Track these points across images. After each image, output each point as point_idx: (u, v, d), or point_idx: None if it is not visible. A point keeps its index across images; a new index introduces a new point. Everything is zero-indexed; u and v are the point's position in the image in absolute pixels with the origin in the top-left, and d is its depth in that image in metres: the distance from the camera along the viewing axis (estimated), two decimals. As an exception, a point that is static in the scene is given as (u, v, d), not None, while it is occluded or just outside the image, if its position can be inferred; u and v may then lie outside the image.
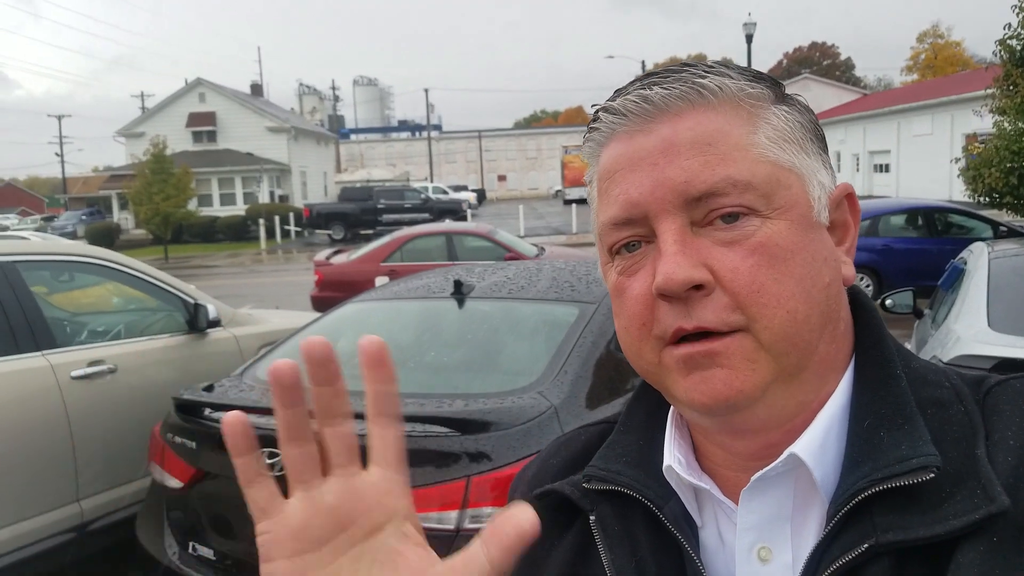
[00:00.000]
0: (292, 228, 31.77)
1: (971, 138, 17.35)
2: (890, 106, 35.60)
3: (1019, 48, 11.64)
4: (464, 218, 28.94)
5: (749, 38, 23.91)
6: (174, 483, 2.75)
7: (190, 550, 2.66)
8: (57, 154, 53.19)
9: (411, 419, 2.39)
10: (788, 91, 0.67)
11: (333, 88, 71.94)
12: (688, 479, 0.65)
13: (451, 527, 2.29)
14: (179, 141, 36.94)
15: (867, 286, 11.68)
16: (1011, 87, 11.68)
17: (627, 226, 0.63)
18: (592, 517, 0.69)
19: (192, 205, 29.62)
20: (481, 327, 3.31)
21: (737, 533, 0.63)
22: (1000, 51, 11.87)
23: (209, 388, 2.95)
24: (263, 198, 34.84)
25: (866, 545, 0.55)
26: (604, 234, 0.65)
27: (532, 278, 3.61)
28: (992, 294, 3.68)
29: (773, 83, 0.65)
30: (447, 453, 2.33)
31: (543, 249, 12.85)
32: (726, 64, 0.65)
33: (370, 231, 27.58)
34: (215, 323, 4.35)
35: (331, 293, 11.00)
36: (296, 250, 27.01)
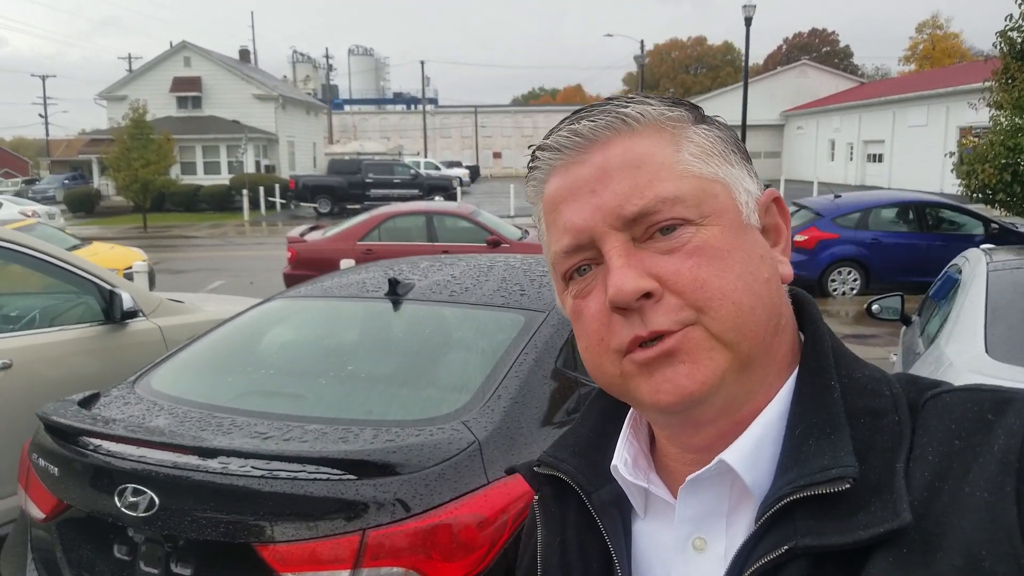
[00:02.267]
0: (277, 200, 31.12)
1: (965, 131, 17.05)
2: (886, 96, 35.28)
3: (1020, 41, 11.28)
4: (454, 196, 28.43)
5: (748, 21, 23.40)
6: (36, 513, 2.36)
7: (51, 593, 2.28)
8: (41, 115, 52.15)
9: (299, 459, 2.00)
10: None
11: (327, 57, 70.52)
12: (630, 479, 0.71)
13: (341, 589, 1.91)
14: (163, 106, 36.05)
15: (855, 280, 11.40)
16: (1009, 81, 11.34)
17: (576, 252, 0.67)
18: (536, 497, 0.80)
19: (174, 173, 28.93)
20: (413, 335, 2.92)
21: (675, 523, 0.69)
22: (1000, 43, 11.51)
23: (89, 400, 2.55)
24: (248, 168, 34.08)
25: (785, 548, 0.60)
26: (557, 263, 0.70)
27: (480, 278, 3.21)
28: (990, 314, 3.28)
29: (691, 107, 0.71)
30: (340, 500, 1.95)
31: (527, 232, 12.47)
32: (646, 96, 0.70)
33: (357, 206, 27.04)
34: (131, 313, 3.93)
35: (304, 271, 10.61)
36: (281, 222, 26.46)
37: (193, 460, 2.06)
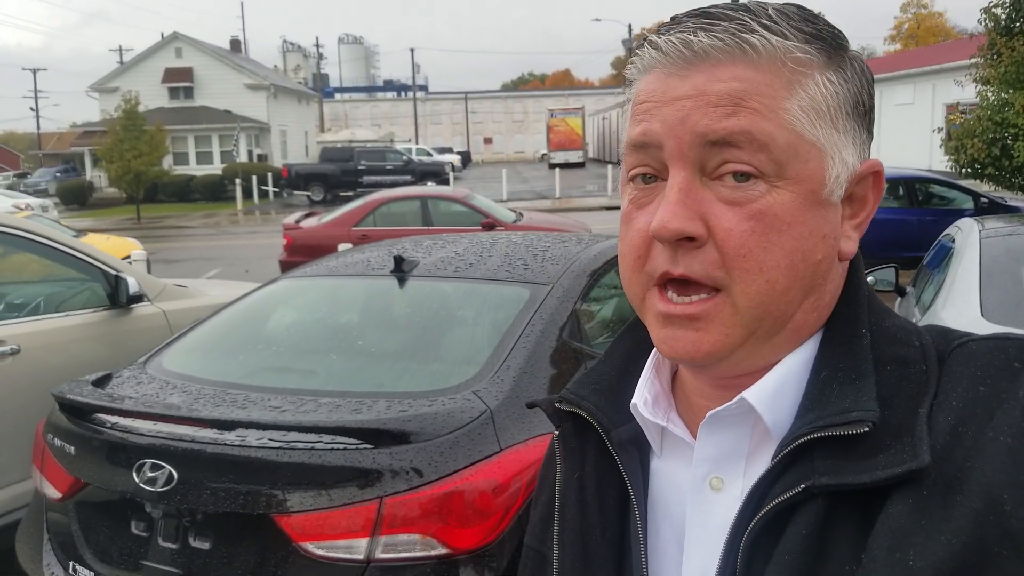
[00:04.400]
0: (270, 188, 31.00)
1: (952, 108, 17.13)
2: (872, 74, 35.25)
3: (1004, 16, 11.34)
4: (447, 181, 28.37)
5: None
6: (53, 493, 2.39)
7: (70, 571, 2.31)
8: (32, 108, 51.74)
9: (316, 429, 2.03)
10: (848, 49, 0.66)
11: (317, 46, 70.07)
12: (649, 418, 0.70)
13: (360, 557, 1.95)
14: (155, 97, 35.82)
15: (847, 256, 11.43)
16: (995, 56, 11.40)
17: (642, 151, 0.65)
18: (556, 433, 0.80)
19: (167, 163, 28.81)
20: (420, 311, 2.94)
21: (694, 462, 0.68)
22: (985, 19, 11.59)
23: (103, 380, 2.58)
24: (241, 157, 33.93)
25: (803, 486, 0.59)
26: (625, 155, 0.67)
27: (483, 254, 3.23)
28: (985, 279, 3.34)
29: (830, 46, 0.64)
30: (357, 469, 1.98)
31: (521, 215, 12.48)
32: (789, 16, 0.63)
33: (350, 193, 26.96)
34: (136, 298, 3.94)
35: (300, 258, 10.56)
36: (274, 211, 26.37)
37: (211, 433, 2.09)
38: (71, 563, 2.30)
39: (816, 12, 0.66)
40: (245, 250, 17.20)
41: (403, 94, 72.56)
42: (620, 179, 0.71)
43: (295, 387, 2.43)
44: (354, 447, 2.01)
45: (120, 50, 48.35)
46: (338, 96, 73.15)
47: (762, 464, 0.65)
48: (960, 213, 10.94)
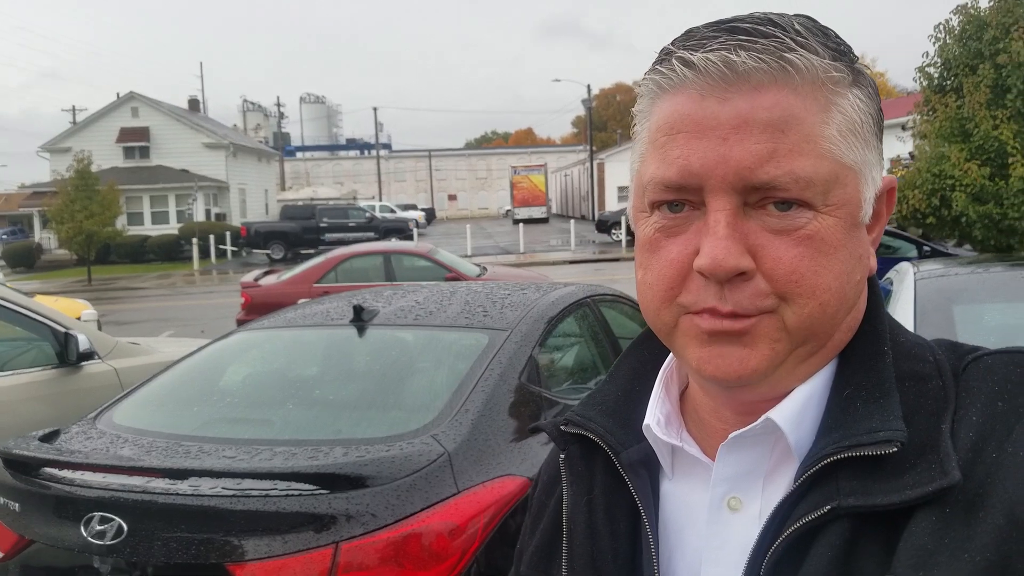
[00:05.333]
0: (228, 247, 30.72)
1: (895, 162, 18.02)
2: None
3: (936, 75, 12.07)
4: (411, 238, 28.46)
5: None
6: (-5, 552, 2.30)
7: (12, 634, 2.21)
8: (-19, 170, 50.79)
9: (270, 476, 2.01)
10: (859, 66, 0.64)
11: (278, 105, 70.50)
12: (664, 439, 0.69)
13: (316, 604, 1.91)
14: (109, 157, 35.50)
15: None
16: (931, 112, 12.08)
17: (678, 191, 0.61)
18: (562, 456, 0.77)
19: (120, 224, 28.40)
20: (379, 359, 2.95)
21: (712, 482, 0.66)
22: (920, 78, 12.31)
23: (50, 437, 2.51)
24: (199, 216, 33.64)
25: (828, 507, 0.58)
26: (650, 190, 0.63)
27: (443, 302, 3.26)
28: (919, 317, 3.53)
29: (851, 59, 0.63)
30: (313, 515, 1.96)
31: (485, 269, 12.55)
32: (813, 28, 0.62)
33: (312, 251, 26.87)
34: (87, 355, 3.87)
35: (258, 316, 10.47)
36: (232, 270, 26.08)
37: (162, 483, 2.05)
38: (13, 626, 2.21)
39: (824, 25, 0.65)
40: (201, 310, 16.94)
41: (366, 152, 73.12)
42: (632, 205, 0.69)
43: (250, 437, 2.40)
44: (309, 493, 1.99)
45: (73, 110, 47.99)
46: (300, 155, 73.40)
47: (781, 483, 0.64)
48: (906, 261, 11.36)
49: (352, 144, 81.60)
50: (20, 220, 41.26)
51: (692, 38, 0.62)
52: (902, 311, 3.73)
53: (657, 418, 0.70)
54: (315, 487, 1.99)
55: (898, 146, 17.86)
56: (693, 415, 0.72)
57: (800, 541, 0.59)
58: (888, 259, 12.06)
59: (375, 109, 61.08)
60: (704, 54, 0.59)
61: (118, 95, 38.85)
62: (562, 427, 0.77)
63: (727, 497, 0.66)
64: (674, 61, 0.61)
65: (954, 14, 11.84)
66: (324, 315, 3.28)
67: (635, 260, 0.67)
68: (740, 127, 0.59)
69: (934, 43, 12.01)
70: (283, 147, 66.12)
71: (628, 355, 0.80)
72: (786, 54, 0.59)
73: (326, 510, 1.96)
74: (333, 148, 79.90)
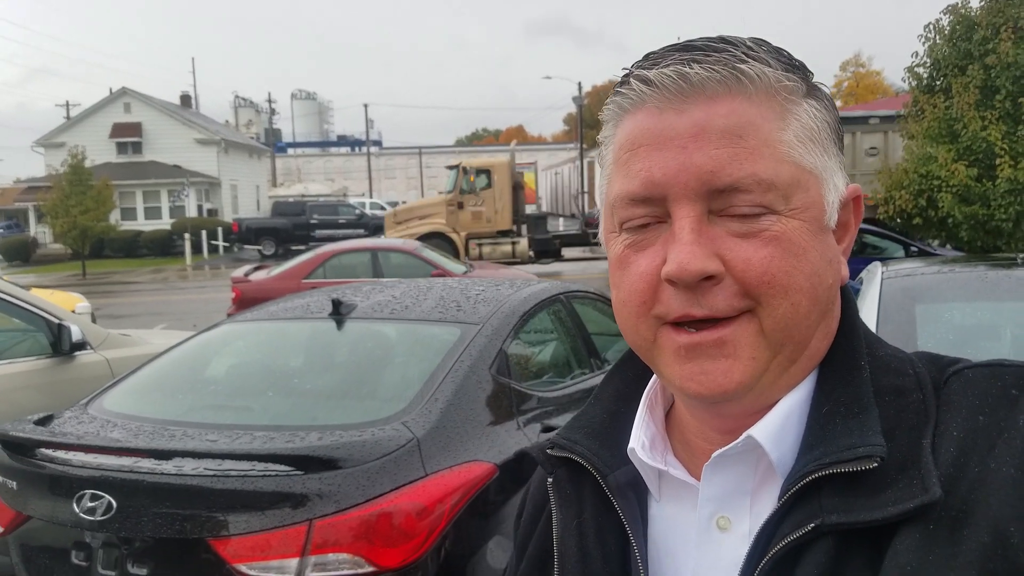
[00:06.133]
0: (220, 243, 30.79)
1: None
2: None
3: (926, 75, 12.14)
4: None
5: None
6: (-7, 528, 2.46)
7: (8, 604, 2.37)
8: (-27, 164, 50.59)
9: (248, 457, 2.17)
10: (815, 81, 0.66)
11: (270, 101, 70.40)
12: (649, 463, 0.69)
13: None
14: (102, 152, 35.49)
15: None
16: (919, 112, 12.13)
17: (643, 204, 0.62)
18: (550, 480, 0.76)
19: (113, 219, 28.47)
20: (355, 350, 3.11)
21: (699, 503, 0.66)
22: (909, 78, 12.38)
23: (44, 421, 2.67)
24: (191, 212, 33.72)
25: (812, 525, 0.58)
26: (618, 206, 0.64)
27: (419, 297, 3.42)
28: (882, 315, 3.67)
29: (805, 73, 0.65)
30: (287, 494, 2.12)
31: (472, 266, 12.70)
32: (765, 46, 0.64)
33: (302, 247, 26.97)
34: (79, 346, 4.02)
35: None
36: (224, 265, 26.14)
37: (149, 463, 2.21)
38: (9, 597, 2.36)
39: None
40: (193, 304, 17.04)
41: (357, 149, 73.05)
42: (603, 227, 0.69)
43: (231, 423, 2.56)
44: (285, 473, 2.15)
45: (67, 105, 47.85)
46: (291, 151, 73.29)
47: (767, 500, 0.64)
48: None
49: (343, 141, 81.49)
50: (15, 214, 41.18)
51: (648, 59, 0.64)
52: (867, 309, 3.89)
53: (642, 441, 0.70)
54: (291, 468, 2.15)
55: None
56: (679, 436, 0.72)
57: (786, 559, 0.59)
58: (876, 259, 12.23)
59: (366, 106, 61.06)
60: (659, 70, 0.61)
61: (111, 90, 38.85)
62: (548, 451, 0.77)
63: (715, 517, 0.66)
64: (632, 80, 0.63)
65: (944, 14, 11.87)
66: (304, 308, 3.44)
67: (610, 282, 0.68)
68: (698, 135, 0.60)
69: (924, 43, 12.06)
70: (274, 143, 66.02)
71: (612, 376, 0.80)
72: (738, 64, 0.61)
73: (301, 490, 2.12)
74: (324, 144, 79.78)
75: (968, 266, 5.06)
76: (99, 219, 24.58)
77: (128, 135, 37.72)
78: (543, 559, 0.76)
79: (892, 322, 3.63)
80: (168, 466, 2.19)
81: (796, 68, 0.64)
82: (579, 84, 42.25)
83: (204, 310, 15.57)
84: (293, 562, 2.07)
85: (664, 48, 0.64)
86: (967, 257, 7.77)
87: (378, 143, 76.11)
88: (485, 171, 19.81)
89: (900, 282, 4.09)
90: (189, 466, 2.18)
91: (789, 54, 0.66)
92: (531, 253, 19.64)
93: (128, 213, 34.17)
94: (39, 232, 34.48)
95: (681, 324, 0.62)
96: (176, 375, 3.12)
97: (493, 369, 2.89)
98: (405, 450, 2.31)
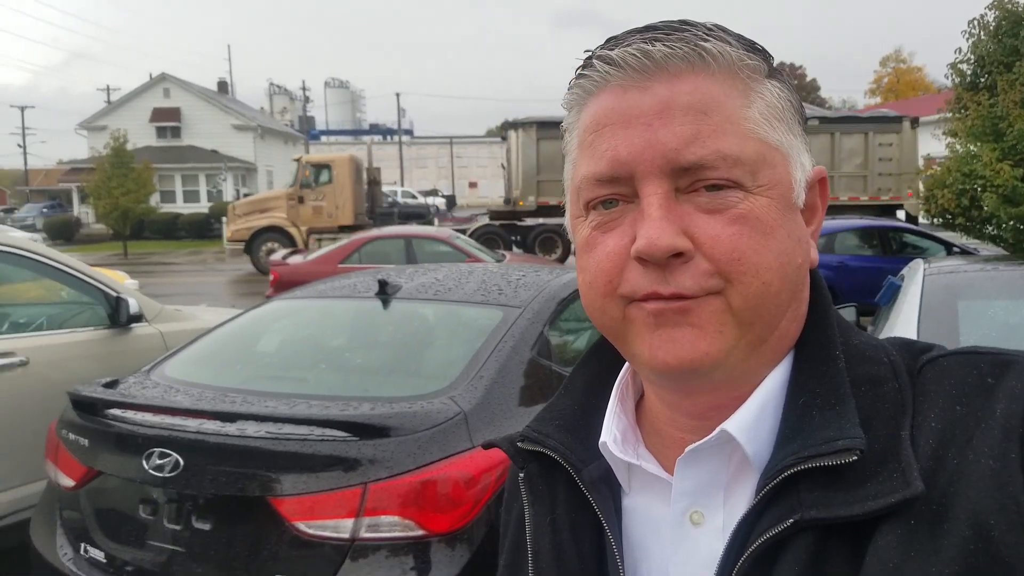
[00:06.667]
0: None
1: (929, 161, 17.82)
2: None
3: (969, 72, 11.94)
4: (431, 223, 28.77)
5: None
6: (66, 482, 2.62)
7: (82, 552, 2.54)
8: (19, 145, 51.90)
9: (307, 422, 2.30)
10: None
11: (304, 89, 71.09)
12: (620, 457, 0.68)
13: (346, 536, 2.20)
14: (142, 136, 36.24)
15: (823, 302, 11.85)
16: (962, 110, 11.94)
17: (610, 183, 0.62)
18: (521, 475, 0.74)
19: (153, 201, 29.07)
20: (401, 329, 3.23)
21: (672, 497, 0.65)
22: (952, 74, 12.18)
23: (111, 384, 2.83)
24: (228, 196, 34.31)
25: (791, 520, 0.57)
26: (584, 188, 0.64)
27: (461, 280, 3.53)
28: (924, 311, 3.71)
29: (766, 56, 0.65)
30: (344, 458, 2.24)
31: (504, 255, 12.83)
32: (724, 29, 0.64)
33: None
34: (136, 318, 4.20)
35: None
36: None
37: (214, 425, 2.35)
38: (82, 545, 2.53)
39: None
40: (230, 286, 17.40)
41: (388, 138, 73.46)
42: (569, 215, 0.69)
43: (288, 391, 2.69)
44: (342, 439, 2.27)
45: (108, 89, 48.84)
46: (324, 138, 73.95)
47: (742, 494, 0.63)
48: (931, 260, 11.40)
49: (375, 129, 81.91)
50: (59, 195, 42.21)
51: (610, 42, 0.65)
52: (908, 305, 3.92)
53: (613, 435, 0.69)
54: (347, 434, 2.28)
55: (933, 144, 17.74)
56: (649, 428, 0.71)
57: (766, 555, 0.59)
58: (917, 259, 12.08)
59: (398, 95, 61.43)
60: (622, 49, 0.61)
61: (151, 76, 39.57)
62: (519, 443, 0.75)
63: (689, 511, 0.65)
64: (594, 62, 0.63)
65: (989, 9, 11.65)
66: (351, 288, 3.57)
67: (576, 267, 0.67)
68: (663, 112, 0.60)
69: (968, 39, 11.82)
70: (308, 131, 66.69)
71: (582, 367, 0.79)
72: (700, 42, 0.61)
73: (356, 455, 2.24)
74: (356, 133, 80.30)
75: (1011, 264, 5.06)
76: (140, 201, 25.13)
77: (167, 120, 38.44)
78: (518, 557, 0.74)
79: (934, 318, 3.66)
80: (232, 428, 2.33)
81: (757, 51, 0.64)
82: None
83: (240, 291, 15.90)
84: (348, 522, 2.19)
85: (625, 32, 0.65)
86: (1010, 256, 7.68)
87: (409, 132, 76.51)
88: (326, 166, 20.00)
89: (942, 279, 4.11)
90: (251, 429, 2.32)
91: (750, 39, 0.66)
92: None
93: (167, 196, 34.89)
94: (82, 212, 35.34)
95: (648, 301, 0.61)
96: (232, 347, 3.27)
97: (534, 351, 2.99)
98: (453, 422, 2.42)
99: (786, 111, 0.64)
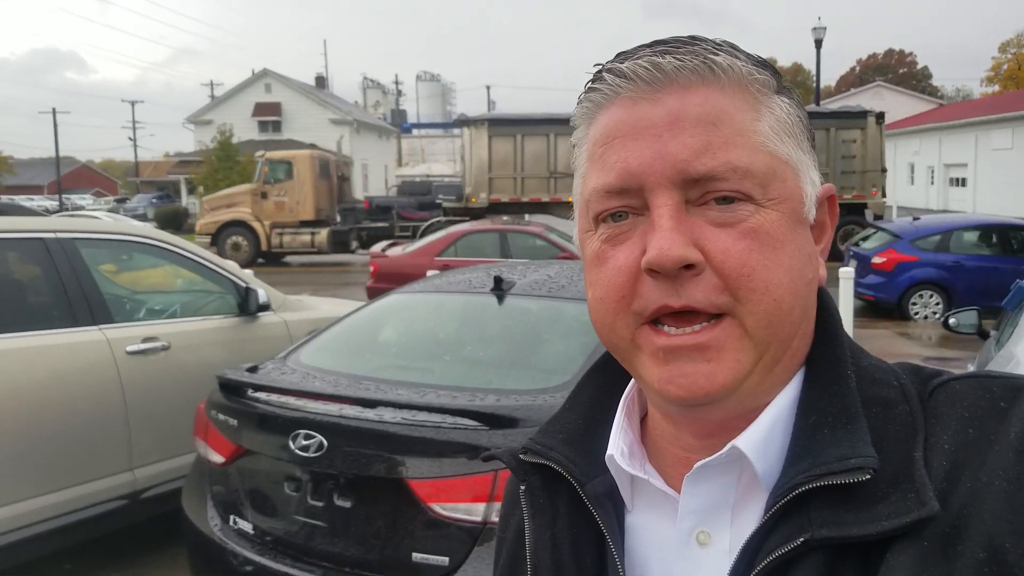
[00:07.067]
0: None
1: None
2: (968, 118, 34.18)
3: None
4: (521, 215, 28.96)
5: (818, 44, 23.32)
6: (216, 458, 2.85)
7: (231, 523, 2.76)
8: (130, 138, 55.11)
9: (442, 410, 2.43)
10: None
11: (396, 83, 72.87)
12: (629, 470, 0.67)
13: (478, 519, 2.32)
14: (245, 130, 37.88)
15: (937, 303, 11.33)
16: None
17: (620, 195, 0.62)
18: (522, 487, 0.73)
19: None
20: (518, 324, 3.33)
21: (679, 516, 0.64)
22: None
23: (253, 369, 3.05)
24: (325, 189, 35.50)
25: (801, 539, 0.56)
26: (593, 201, 0.64)
27: (573, 277, 3.61)
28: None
29: (775, 72, 0.65)
30: (476, 446, 2.36)
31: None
32: (733, 45, 0.65)
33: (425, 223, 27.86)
34: (265, 307, 4.47)
35: (385, 284, 11.24)
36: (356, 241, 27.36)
37: (355, 410, 2.51)
38: (231, 516, 2.75)
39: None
40: (329, 275, 18.04)
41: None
42: (578, 229, 0.68)
43: (416, 381, 2.84)
44: (473, 428, 2.39)
45: (211, 84, 51.32)
46: (415, 131, 75.39)
47: (750, 514, 0.62)
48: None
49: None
50: (167, 186, 44.66)
51: (619, 56, 0.65)
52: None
53: (621, 449, 0.68)
54: (478, 424, 2.39)
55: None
56: (653, 446, 0.70)
57: (774, 575, 0.58)
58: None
59: (488, 88, 62.01)
60: (632, 62, 0.62)
61: (253, 71, 41.31)
62: (521, 456, 0.74)
63: (695, 531, 0.64)
64: (604, 75, 0.64)
65: None
66: (467, 283, 3.70)
67: (585, 282, 0.66)
68: (673, 124, 0.60)
69: None
70: (400, 124, 68.09)
71: (587, 381, 0.78)
72: (711, 56, 0.61)
73: (487, 443, 2.35)
74: (447, 126, 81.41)
75: None
76: (243, 193, 26.36)
77: (268, 114, 40.06)
78: (514, 570, 0.74)
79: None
80: (371, 414, 2.48)
81: (765, 66, 0.64)
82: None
83: (339, 281, 16.47)
84: (480, 506, 2.31)
85: (635, 46, 0.65)
86: None
87: (499, 125, 76.78)
88: (286, 163, 20.53)
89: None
90: (389, 415, 2.46)
91: (760, 57, 0.66)
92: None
93: (267, 188, 36.37)
94: (189, 203, 37.29)
95: (659, 323, 0.60)
96: (358, 337, 3.45)
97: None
98: (576, 415, 2.50)
99: (795, 126, 0.64)
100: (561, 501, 0.70)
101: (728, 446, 0.61)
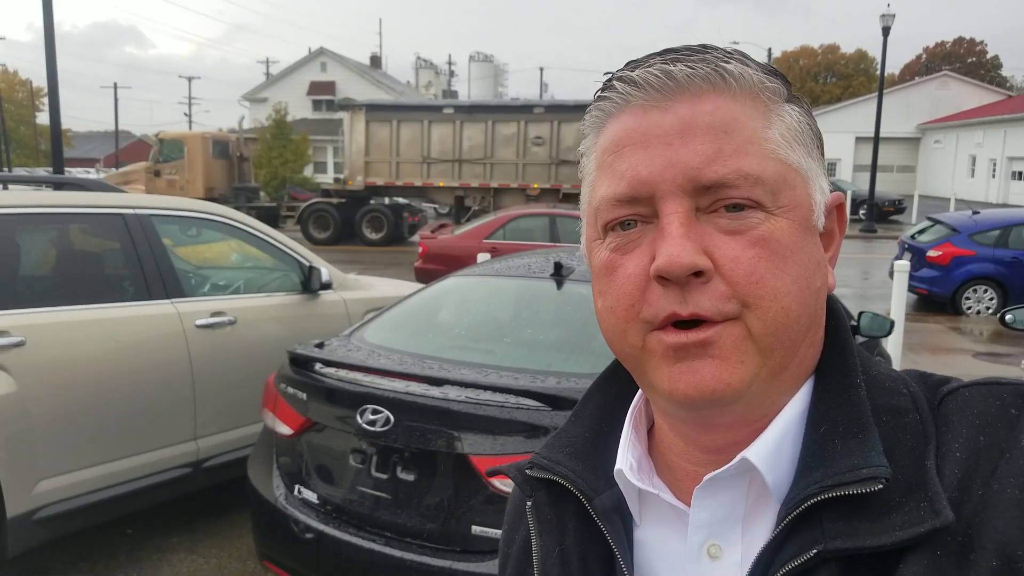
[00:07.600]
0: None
1: None
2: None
3: None
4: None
5: (886, 31, 22.63)
6: (284, 430, 2.97)
7: (295, 493, 2.88)
8: (186, 114, 56.47)
9: (505, 390, 2.50)
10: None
11: (449, 63, 72.96)
12: (638, 484, 0.66)
13: (535, 497, 2.38)
14: (299, 108, 38.49)
15: (991, 299, 11.07)
16: None
17: (630, 204, 0.61)
18: (529, 503, 0.73)
19: (308, 172, 30.90)
20: (578, 310, 3.38)
21: (689, 530, 0.64)
22: None
23: (320, 345, 3.16)
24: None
25: (814, 551, 0.56)
26: (603, 210, 0.63)
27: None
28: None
29: (785, 80, 0.65)
30: (537, 426, 2.43)
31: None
32: (744, 55, 0.64)
33: (477, 207, 28.00)
34: (327, 285, 4.60)
35: (433, 266, 11.39)
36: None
37: (421, 388, 2.60)
38: (296, 486, 2.87)
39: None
40: (378, 255, 18.31)
41: (529, 112, 73.79)
42: (586, 238, 0.68)
43: (478, 361, 2.91)
44: (535, 408, 2.46)
45: (267, 62, 52.09)
46: (466, 113, 75.44)
47: (760, 526, 0.62)
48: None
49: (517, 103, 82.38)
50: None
51: (630, 64, 0.65)
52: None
53: (629, 462, 0.68)
54: (541, 404, 2.46)
55: None
56: (660, 459, 0.70)
57: None
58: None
59: (541, 69, 61.65)
60: (643, 70, 0.62)
61: (309, 50, 41.85)
62: (528, 471, 0.73)
63: (706, 544, 0.64)
64: (615, 83, 0.63)
65: None
66: (527, 268, 3.75)
67: (593, 291, 0.66)
68: (684, 132, 0.60)
69: None
70: (452, 105, 68.15)
71: (593, 393, 0.77)
72: (722, 64, 0.61)
73: (548, 424, 2.42)
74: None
75: None
76: (296, 171, 26.83)
77: (323, 93, 40.58)
78: None
79: None
80: (436, 391, 2.57)
81: (776, 74, 0.64)
82: (768, 50, 40.32)
83: (388, 261, 16.70)
84: (539, 485, 2.38)
85: (646, 55, 0.65)
86: None
87: (549, 108, 76.41)
88: (179, 142, 21.49)
89: None
90: (453, 393, 2.55)
91: (770, 65, 0.66)
92: None
93: (320, 167, 36.90)
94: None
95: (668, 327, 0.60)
96: (420, 317, 3.54)
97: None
98: (635, 401, 2.55)
99: (805, 134, 0.64)
100: (569, 516, 0.70)
101: (738, 457, 0.61)
